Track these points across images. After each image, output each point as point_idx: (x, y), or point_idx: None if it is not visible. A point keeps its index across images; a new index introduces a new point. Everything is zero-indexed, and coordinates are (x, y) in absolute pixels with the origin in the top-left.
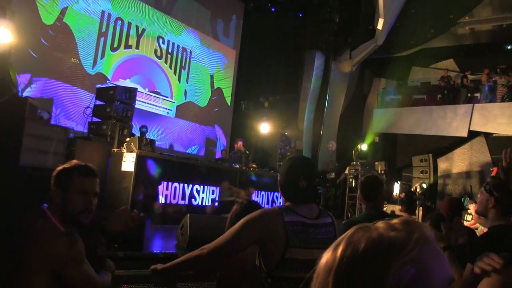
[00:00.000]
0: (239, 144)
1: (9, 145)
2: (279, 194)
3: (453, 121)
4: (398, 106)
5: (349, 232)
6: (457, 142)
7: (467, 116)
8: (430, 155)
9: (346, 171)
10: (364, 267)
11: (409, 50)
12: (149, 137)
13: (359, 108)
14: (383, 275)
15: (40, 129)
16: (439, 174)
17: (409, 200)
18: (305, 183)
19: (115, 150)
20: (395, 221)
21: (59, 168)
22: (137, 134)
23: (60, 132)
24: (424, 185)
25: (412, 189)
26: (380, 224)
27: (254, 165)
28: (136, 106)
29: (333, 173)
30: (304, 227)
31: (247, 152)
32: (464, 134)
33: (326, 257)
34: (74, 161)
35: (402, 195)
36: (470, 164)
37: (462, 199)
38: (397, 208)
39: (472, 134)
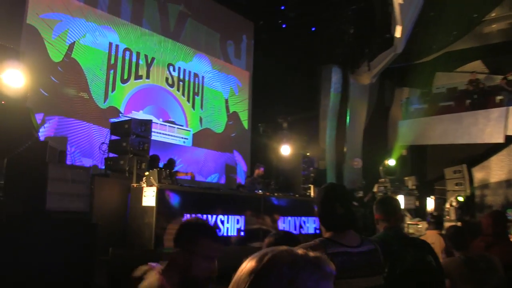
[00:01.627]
0: (260, 170)
1: (35, 190)
2: (306, 219)
3: (486, 126)
4: (424, 115)
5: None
6: (493, 149)
7: (502, 120)
8: (464, 165)
9: (375, 189)
10: (267, 277)
11: (432, 55)
12: (173, 169)
13: (382, 121)
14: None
15: (63, 172)
16: (475, 185)
17: (437, 221)
18: (341, 209)
19: (135, 185)
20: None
21: (184, 226)
22: (164, 166)
23: (82, 173)
24: (461, 198)
25: (448, 204)
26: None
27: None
28: (152, 137)
29: (361, 192)
30: (349, 256)
31: (266, 179)
32: (500, 139)
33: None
34: (199, 221)
35: (433, 213)
36: (509, 171)
37: (507, 210)
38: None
39: (509, 139)
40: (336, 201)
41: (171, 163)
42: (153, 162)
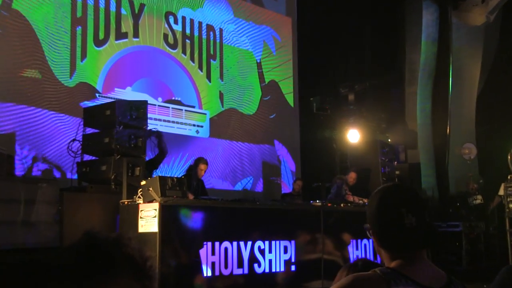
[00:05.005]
0: (352, 176)
1: None
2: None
3: None
4: None
5: None
6: None
7: None
8: None
9: (501, 192)
10: None
11: None
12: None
13: (507, 82)
14: None
15: (11, 189)
16: None
17: None
18: (412, 219)
19: (125, 202)
20: None
21: None
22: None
23: (44, 189)
24: None
25: None
26: None
27: (350, 196)
28: (148, 127)
29: (479, 197)
30: None
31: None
32: None
33: None
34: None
35: None
36: None
37: None
38: None
39: None
40: (402, 205)
41: (198, 164)
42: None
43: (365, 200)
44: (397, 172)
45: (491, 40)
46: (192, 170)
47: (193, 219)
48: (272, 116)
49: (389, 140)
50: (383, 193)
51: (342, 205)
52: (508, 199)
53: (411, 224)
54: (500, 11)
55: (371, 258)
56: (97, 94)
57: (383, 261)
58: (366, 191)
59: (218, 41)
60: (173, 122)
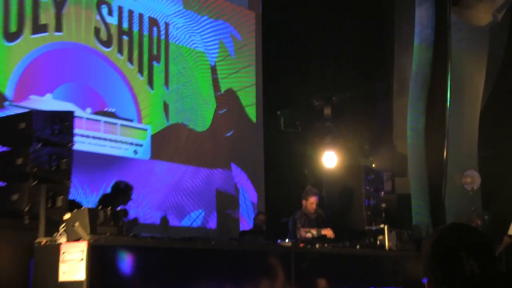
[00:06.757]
0: (313, 199)
1: None
2: None
3: None
4: None
5: None
6: None
7: None
8: None
9: (511, 231)
10: None
11: None
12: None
13: None
14: None
15: None
16: None
17: None
18: (475, 264)
19: (43, 241)
20: None
21: None
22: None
23: None
24: None
25: None
26: None
27: (302, 230)
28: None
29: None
30: None
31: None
32: None
33: None
34: None
35: None
36: None
37: None
38: None
39: None
40: (462, 247)
41: (121, 191)
42: (112, 199)
43: (314, 231)
44: (383, 205)
45: (498, 44)
46: (115, 199)
47: (131, 263)
48: (229, 134)
49: (373, 165)
50: (439, 233)
51: (317, 245)
52: None
53: (473, 271)
54: (507, 10)
55: None
56: (6, 103)
57: None
58: (346, 230)
59: (163, 38)
60: (104, 139)
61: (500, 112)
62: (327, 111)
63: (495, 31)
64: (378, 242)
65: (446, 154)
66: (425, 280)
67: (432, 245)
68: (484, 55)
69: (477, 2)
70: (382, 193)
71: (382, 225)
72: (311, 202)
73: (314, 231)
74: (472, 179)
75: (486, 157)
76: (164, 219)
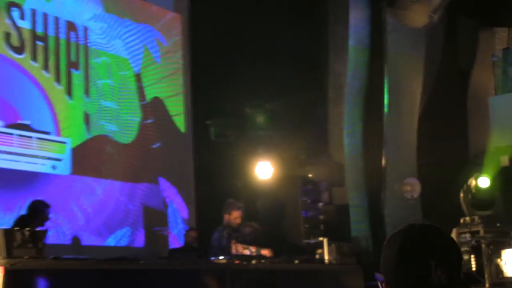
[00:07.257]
0: (236, 213)
1: None
2: None
3: None
4: None
5: None
6: None
7: None
8: None
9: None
10: None
11: None
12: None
13: (455, 99)
14: None
15: None
16: None
17: None
18: (442, 276)
19: None
20: None
21: None
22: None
23: None
24: None
25: None
26: None
27: (235, 243)
28: None
29: None
30: None
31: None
32: None
33: None
34: None
35: None
36: None
37: None
38: None
39: None
40: (429, 256)
41: (38, 211)
42: (28, 221)
43: (253, 249)
44: (321, 217)
45: (435, 46)
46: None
47: None
48: (156, 146)
49: (310, 175)
50: (403, 237)
51: (253, 261)
52: (462, 249)
53: (440, 282)
54: (442, 11)
55: None
56: None
57: None
58: (284, 244)
59: (82, 44)
60: (19, 154)
61: (437, 118)
62: (260, 119)
63: (432, 34)
64: (317, 256)
65: (384, 162)
66: (380, 279)
67: (400, 247)
68: (421, 57)
69: (413, 3)
70: (321, 204)
71: (321, 238)
72: (235, 217)
73: (253, 249)
74: (412, 187)
75: (425, 164)
76: (87, 239)
